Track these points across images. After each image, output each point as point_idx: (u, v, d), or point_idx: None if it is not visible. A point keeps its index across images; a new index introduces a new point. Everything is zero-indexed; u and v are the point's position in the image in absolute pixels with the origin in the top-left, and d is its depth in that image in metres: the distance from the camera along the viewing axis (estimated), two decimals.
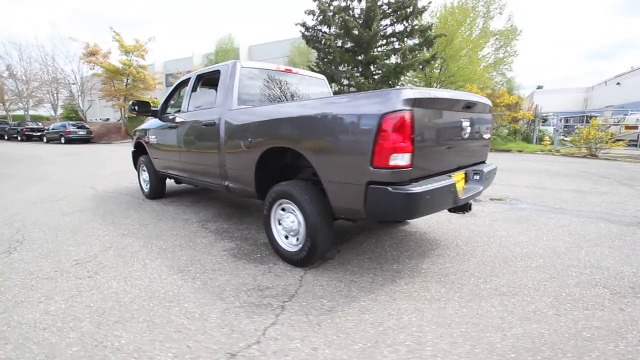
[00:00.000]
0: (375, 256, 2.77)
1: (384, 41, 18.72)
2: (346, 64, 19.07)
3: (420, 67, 18.21)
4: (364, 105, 1.93)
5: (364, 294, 2.16)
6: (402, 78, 19.13)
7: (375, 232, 3.29)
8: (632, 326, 1.79)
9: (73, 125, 23.27)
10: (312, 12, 18.89)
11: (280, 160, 2.82)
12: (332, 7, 18.83)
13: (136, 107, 4.10)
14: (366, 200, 1.96)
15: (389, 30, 18.96)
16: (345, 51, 18.28)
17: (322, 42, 19.06)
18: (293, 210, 2.51)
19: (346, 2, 19.28)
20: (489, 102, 2.79)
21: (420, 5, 18.11)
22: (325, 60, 19.06)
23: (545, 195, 5.14)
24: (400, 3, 17.97)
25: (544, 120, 20.54)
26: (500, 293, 2.15)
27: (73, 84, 33.64)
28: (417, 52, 17.92)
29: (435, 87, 22.08)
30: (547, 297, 2.10)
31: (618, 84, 27.58)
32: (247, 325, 1.84)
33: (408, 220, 3.47)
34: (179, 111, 4.55)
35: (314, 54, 31.46)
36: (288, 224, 2.54)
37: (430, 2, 18.16)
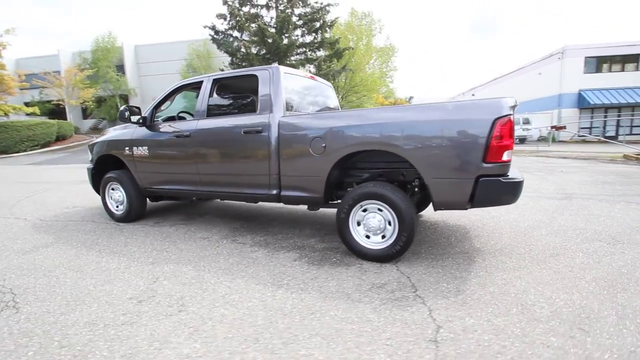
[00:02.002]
0: (434, 244, 3.13)
1: (299, 50, 19.45)
2: None
3: (333, 77, 19.58)
4: (474, 111, 2.27)
5: (465, 274, 2.49)
6: None
7: None
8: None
9: None
10: (223, 17, 18.27)
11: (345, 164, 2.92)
12: (242, 13, 18.59)
13: (129, 115, 3.46)
14: (475, 191, 2.31)
15: (301, 40, 19.81)
16: (262, 58, 18.26)
17: (237, 48, 18.64)
18: (379, 210, 2.66)
19: (256, 9, 19.33)
20: None
21: (328, 20, 19.53)
22: (242, 65, 18.60)
23: None
24: (311, 16, 19.01)
25: None
26: (553, 254, 2.79)
27: None
28: (330, 62, 19.20)
29: (341, 96, 24.03)
30: (579, 252, 2.83)
31: (473, 94, 35.10)
32: (412, 315, 1.96)
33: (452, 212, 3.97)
34: (173, 118, 4.05)
35: (216, 58, 30.47)
36: (374, 223, 2.67)
37: (337, 18, 19.78)
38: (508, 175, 2.29)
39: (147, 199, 4.22)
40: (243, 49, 17.81)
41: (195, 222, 4.15)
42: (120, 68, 31.03)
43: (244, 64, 18.76)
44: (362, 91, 24.06)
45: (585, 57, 20.80)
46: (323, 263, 2.77)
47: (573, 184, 6.11)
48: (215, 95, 3.45)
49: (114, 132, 4.23)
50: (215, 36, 19.05)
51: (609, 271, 2.47)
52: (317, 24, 19.45)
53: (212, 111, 3.40)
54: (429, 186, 2.44)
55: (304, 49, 20.18)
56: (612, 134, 20.21)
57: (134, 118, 3.62)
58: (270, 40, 18.13)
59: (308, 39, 20.36)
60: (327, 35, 19.96)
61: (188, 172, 3.52)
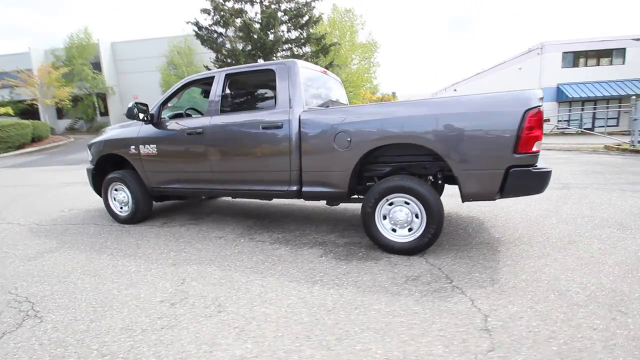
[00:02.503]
0: (453, 235, 3.18)
1: (285, 46, 19.25)
2: None
3: None
4: (504, 104, 2.31)
5: (493, 263, 2.54)
6: None
7: None
8: None
9: None
10: (207, 12, 17.83)
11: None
12: (226, 8, 18.22)
13: (137, 112, 3.32)
14: (505, 181, 2.35)
15: (287, 36, 19.61)
16: (247, 54, 17.96)
17: (222, 44, 18.26)
18: (406, 203, 2.67)
19: (241, 4, 18.98)
20: None
21: (313, 15, 19.40)
22: (227, 62, 18.23)
23: None
24: (296, 12, 18.83)
25: None
26: (570, 241, 2.88)
27: None
28: (316, 59, 19.11)
29: None
30: (594, 239, 2.94)
31: (455, 90, 35.82)
32: (456, 306, 1.97)
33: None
34: (179, 115, 3.92)
35: (198, 55, 29.77)
36: (401, 216, 2.68)
37: (322, 14, 19.68)
38: (537, 166, 2.34)
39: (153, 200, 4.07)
40: (228, 45, 17.46)
41: (205, 221, 4.04)
42: (97, 66, 29.84)
43: (229, 60, 18.40)
44: (348, 87, 24.14)
45: (563, 53, 21.61)
46: (350, 258, 2.75)
47: (566, 175, 6.33)
48: (228, 90, 3.36)
49: (115, 131, 4.05)
50: (199, 32, 18.57)
51: (627, 256, 2.58)
52: (303, 20, 19.30)
53: (226, 107, 3.31)
54: (459, 178, 2.46)
55: (290, 45, 20.00)
56: (589, 126, 21.11)
57: (142, 115, 3.47)
58: (256, 36, 17.86)
59: (294, 34, 20.19)
60: (312, 31, 19.84)
61: (201, 170, 3.41)
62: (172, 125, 3.57)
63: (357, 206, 4.34)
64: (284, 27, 19.61)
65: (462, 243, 2.97)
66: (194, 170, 3.46)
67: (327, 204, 3.35)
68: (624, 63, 21.03)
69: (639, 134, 9.40)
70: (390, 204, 2.73)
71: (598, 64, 21.77)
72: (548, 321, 1.80)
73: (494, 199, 2.50)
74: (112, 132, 4.09)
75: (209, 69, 19.35)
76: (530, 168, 2.30)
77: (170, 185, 3.69)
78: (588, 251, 2.69)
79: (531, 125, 2.23)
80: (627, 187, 5.03)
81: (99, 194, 4.29)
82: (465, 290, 2.15)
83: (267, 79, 3.14)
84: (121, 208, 4.05)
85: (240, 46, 17.99)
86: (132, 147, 3.73)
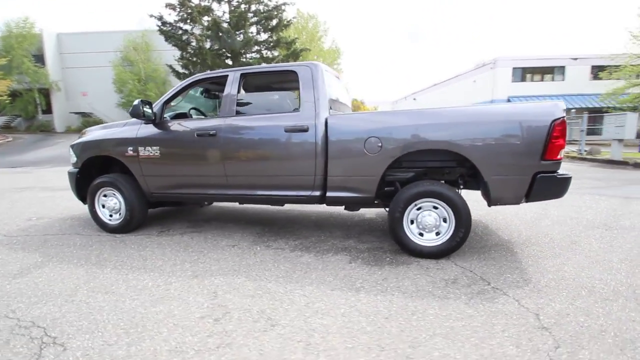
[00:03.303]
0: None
1: (255, 48, 18.91)
2: (217, 68, 18.19)
3: None
4: (533, 113, 2.46)
5: (517, 264, 2.68)
6: None
7: None
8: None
9: None
10: (172, 7, 16.99)
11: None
12: (193, 5, 17.53)
13: (143, 110, 3.04)
14: (532, 186, 2.50)
15: (257, 38, 19.30)
16: (215, 54, 17.38)
17: (187, 42, 17.49)
18: (435, 207, 2.73)
19: (208, 2, 18.38)
20: None
21: (284, 18, 19.32)
22: (193, 61, 17.48)
23: None
24: (267, 14, 18.64)
25: None
26: (573, 242, 3.14)
27: None
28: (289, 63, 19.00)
29: None
30: (591, 239, 3.23)
31: (414, 99, 37.65)
32: (505, 306, 2.04)
33: None
34: (182, 115, 3.67)
35: (157, 51, 28.20)
36: (430, 221, 2.73)
37: (294, 17, 19.67)
38: (559, 172, 2.52)
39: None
40: (195, 43, 16.77)
41: (206, 229, 3.80)
42: (40, 58, 27.02)
43: (195, 59, 17.67)
44: None
45: (513, 68, 23.73)
46: (380, 263, 2.75)
47: None
48: (243, 91, 3.21)
49: (105, 131, 3.68)
50: (163, 27, 17.61)
51: (626, 253, 2.86)
52: (274, 22, 19.14)
53: (242, 108, 3.15)
54: (489, 183, 2.58)
55: (259, 47, 19.71)
56: None
57: (148, 114, 3.18)
58: (225, 36, 17.35)
59: (263, 37, 19.93)
60: (282, 34, 19.74)
61: (212, 175, 3.21)
62: (178, 125, 3.33)
63: (363, 210, 4.36)
64: (253, 29, 19.29)
65: (478, 245, 3.11)
66: (204, 174, 3.25)
67: (346, 209, 3.33)
68: (564, 80, 23.61)
69: (584, 143, 10.57)
70: (419, 208, 2.77)
71: (542, 80, 24.21)
72: (592, 316, 1.94)
73: (519, 203, 2.65)
74: (100, 132, 3.71)
75: (173, 68, 18.45)
76: (555, 174, 2.48)
77: (173, 191, 3.42)
78: (592, 250, 2.95)
79: (557, 134, 2.41)
80: (594, 191, 5.61)
81: (82, 200, 3.86)
82: (506, 291, 2.24)
83: (288, 80, 3.06)
84: (110, 216, 3.68)
85: (207, 45, 17.35)
86: (130, 148, 3.40)
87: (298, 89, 3.05)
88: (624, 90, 16.63)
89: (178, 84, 3.40)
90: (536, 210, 4.34)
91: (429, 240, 2.78)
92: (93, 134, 3.78)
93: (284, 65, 3.13)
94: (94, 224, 3.97)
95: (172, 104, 3.54)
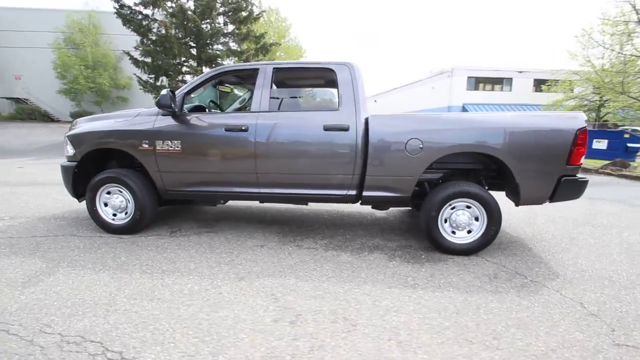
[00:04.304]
0: None
1: (223, 40, 18.14)
2: (183, 58, 17.16)
3: None
4: (561, 122, 2.71)
5: (539, 258, 2.94)
6: None
7: None
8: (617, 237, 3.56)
9: None
10: None
11: None
12: None
13: (171, 101, 2.80)
14: (557, 188, 2.77)
15: (225, 29, 18.55)
16: (182, 43, 16.37)
17: (148, 27, 16.27)
18: (467, 207, 2.90)
19: None
20: None
21: (254, 11, 18.79)
22: (156, 49, 16.28)
23: None
24: (236, 4, 18.00)
25: None
26: (571, 238, 3.51)
27: None
28: (257, 57, 18.54)
29: None
30: (585, 235, 3.64)
31: (375, 101, 38.89)
32: (550, 297, 2.24)
33: None
34: (200, 108, 3.45)
35: (107, 36, 25.91)
36: (464, 219, 2.89)
37: (264, 11, 19.21)
38: (578, 176, 2.82)
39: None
40: (160, 30, 15.64)
41: (220, 228, 3.62)
42: None
43: (158, 47, 16.48)
44: None
45: (468, 77, 25.63)
46: (419, 261, 2.85)
47: None
48: (275, 86, 3.10)
49: (108, 121, 3.32)
50: (121, 10, 16.15)
51: (620, 247, 3.28)
52: (243, 14, 18.52)
53: (276, 104, 3.05)
54: (520, 185, 2.79)
55: (227, 39, 18.97)
56: None
57: (176, 106, 2.92)
58: (191, 25, 16.43)
59: (232, 28, 19.21)
60: (251, 27, 19.20)
61: (242, 172, 3.06)
62: (202, 119, 3.12)
63: (372, 209, 4.44)
64: (221, 20, 18.50)
65: (496, 242, 3.33)
66: (232, 171, 3.09)
67: (374, 207, 3.38)
68: (511, 90, 26.04)
69: None
70: (452, 208, 2.92)
71: (493, 89, 26.46)
72: (624, 302, 2.21)
73: (542, 203, 2.91)
74: (102, 122, 3.33)
75: (131, 55, 17.08)
76: (576, 177, 2.77)
77: (193, 188, 3.20)
78: (592, 245, 3.33)
79: (580, 142, 2.69)
80: None
81: (77, 197, 3.45)
82: (544, 284, 2.46)
83: (324, 78, 3.03)
84: (114, 215, 3.34)
85: (174, 32, 16.27)
86: (145, 141, 3.11)
87: (333, 87, 3.03)
88: (562, 103, 18.77)
89: (200, 75, 3.18)
90: (523, 210, 4.75)
91: (461, 238, 2.94)
92: (92, 124, 3.39)
93: (320, 62, 3.08)
94: (87, 224, 3.60)
95: (192, 95, 3.31)
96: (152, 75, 17.18)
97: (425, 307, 2.12)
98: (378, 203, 3.12)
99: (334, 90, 3.07)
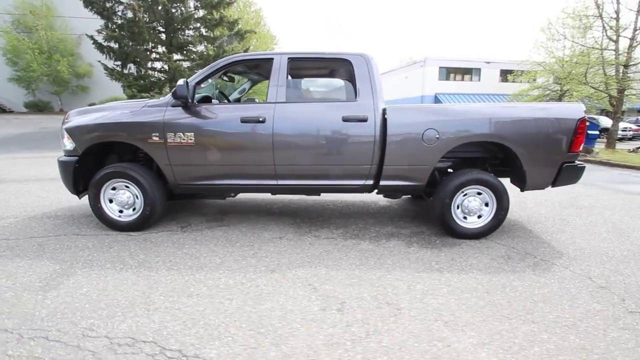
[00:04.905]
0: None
1: (195, 26, 17.32)
2: (153, 44, 16.22)
3: None
4: (564, 112, 2.91)
5: (539, 239, 3.18)
6: None
7: None
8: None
9: None
10: None
11: None
12: None
13: (188, 92, 2.69)
14: (559, 174, 2.99)
15: (197, 15, 17.72)
16: (151, 29, 15.45)
17: (113, 11, 15.19)
18: (478, 193, 3.06)
19: None
20: None
21: None
22: (123, 33, 15.24)
23: None
24: None
25: None
26: (563, 219, 3.81)
27: None
28: (231, 44, 17.93)
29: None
30: (575, 217, 3.96)
31: None
32: (562, 273, 2.46)
33: None
34: (207, 99, 3.35)
35: (64, 19, 23.86)
36: (475, 205, 3.06)
37: None
38: (577, 162, 3.06)
39: None
40: (130, 14, 14.62)
41: (230, 222, 3.56)
42: None
43: (124, 32, 15.45)
44: None
45: (439, 67, 26.36)
46: (436, 246, 2.99)
47: None
48: (290, 76, 3.06)
49: (113, 113, 3.12)
50: None
51: (604, 226, 3.61)
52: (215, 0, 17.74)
53: (292, 94, 3.02)
54: (527, 172, 2.99)
55: (199, 25, 18.15)
56: None
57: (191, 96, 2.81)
58: (160, 8, 15.55)
59: (203, 13, 18.37)
60: (224, 12, 18.47)
61: (259, 164, 3.02)
62: (216, 110, 3.03)
63: (376, 197, 4.54)
64: (191, 4, 17.62)
65: (509, 228, 3.55)
66: (249, 163, 3.04)
67: (386, 196, 3.47)
68: (479, 80, 27.15)
69: None
70: (464, 195, 3.07)
71: (463, 79, 27.44)
72: (624, 275, 2.48)
73: (544, 188, 3.13)
74: (107, 114, 3.12)
75: (95, 40, 15.93)
76: (576, 164, 3.01)
77: (206, 182, 3.12)
78: (581, 225, 3.64)
79: (580, 130, 2.92)
80: None
81: (77, 193, 3.26)
82: (553, 262, 2.69)
83: (339, 68, 3.04)
84: (120, 212, 3.19)
85: (141, 16, 15.29)
86: (155, 134, 2.98)
87: (348, 78, 3.05)
88: (528, 92, 19.85)
89: (211, 64, 3.07)
90: (515, 195, 5.07)
91: (472, 222, 3.11)
92: (93, 116, 3.17)
93: (335, 53, 3.07)
94: (87, 222, 3.44)
95: (202, 85, 3.19)
96: (119, 62, 16.14)
97: (457, 288, 2.25)
98: (394, 192, 3.22)
99: (350, 81, 3.09)
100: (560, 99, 18.15)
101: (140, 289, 2.19)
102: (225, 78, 3.66)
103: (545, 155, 2.98)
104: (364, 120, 2.94)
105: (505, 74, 24.74)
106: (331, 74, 3.38)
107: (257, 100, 3.86)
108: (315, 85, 3.25)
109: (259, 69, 3.20)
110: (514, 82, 21.18)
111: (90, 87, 24.77)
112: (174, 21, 15.92)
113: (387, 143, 2.95)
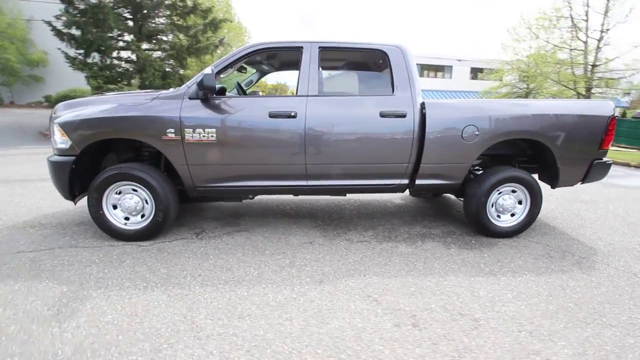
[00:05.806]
0: None
1: (167, 12, 16.23)
2: (120, 31, 14.97)
3: (211, 52, 17.52)
4: (596, 110, 2.91)
5: (568, 236, 3.20)
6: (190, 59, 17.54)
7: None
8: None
9: None
10: None
11: None
12: None
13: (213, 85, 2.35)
14: (589, 170, 3.00)
15: (169, 2, 16.62)
16: (119, 15, 14.24)
17: None
18: (512, 191, 3.01)
19: None
20: None
21: None
22: (85, 20, 13.91)
23: None
24: None
25: None
26: (576, 214, 3.90)
27: None
28: (205, 34, 17.04)
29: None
30: (585, 212, 4.07)
31: None
32: (606, 270, 2.46)
33: None
34: (223, 92, 3.02)
35: (16, 2, 21.49)
36: (509, 203, 3.00)
37: None
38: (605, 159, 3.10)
39: None
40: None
41: (248, 226, 3.25)
42: None
43: (88, 18, 14.14)
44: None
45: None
46: (474, 247, 2.90)
47: None
48: (321, 68, 2.81)
49: (118, 106, 2.70)
50: None
51: (614, 219, 3.73)
52: None
53: (325, 87, 2.76)
54: (560, 169, 2.97)
55: (170, 13, 17.06)
56: None
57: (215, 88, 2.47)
58: None
59: (174, 0, 17.27)
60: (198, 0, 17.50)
61: (290, 163, 2.76)
62: (239, 104, 2.71)
63: (389, 196, 4.41)
64: None
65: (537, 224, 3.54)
66: (279, 162, 2.76)
67: (414, 195, 3.35)
68: (451, 77, 28.02)
69: None
70: (499, 193, 3.01)
71: (435, 76, 28.19)
72: None
73: (573, 185, 3.15)
74: (110, 107, 2.68)
75: (53, 26, 14.47)
76: (605, 160, 3.04)
77: (231, 183, 2.80)
78: (596, 220, 3.72)
79: (611, 128, 2.94)
80: None
81: (72, 198, 2.81)
82: (593, 259, 2.69)
83: (373, 60, 2.84)
84: (127, 219, 2.80)
85: (106, 1, 14.05)
86: (171, 130, 2.61)
87: (382, 69, 2.86)
88: (496, 90, 20.76)
89: (231, 52, 2.74)
90: None
91: (506, 221, 3.06)
92: (94, 109, 2.71)
93: (370, 43, 2.85)
94: (81, 231, 3.02)
95: (222, 76, 2.84)
96: (81, 51, 14.77)
97: (521, 293, 2.16)
98: (429, 191, 3.09)
99: (386, 74, 2.90)
100: (526, 96, 19.12)
101: (179, 312, 1.89)
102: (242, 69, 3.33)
103: (579, 152, 2.98)
104: (403, 116, 2.76)
105: (475, 72, 25.72)
106: (363, 66, 3.17)
107: (260, 94, 3.56)
108: (348, 77, 3.02)
109: (284, 58, 2.91)
110: (483, 79, 22.04)
111: (45, 78, 22.61)
112: (144, 7, 14.81)
113: (426, 140, 2.80)
